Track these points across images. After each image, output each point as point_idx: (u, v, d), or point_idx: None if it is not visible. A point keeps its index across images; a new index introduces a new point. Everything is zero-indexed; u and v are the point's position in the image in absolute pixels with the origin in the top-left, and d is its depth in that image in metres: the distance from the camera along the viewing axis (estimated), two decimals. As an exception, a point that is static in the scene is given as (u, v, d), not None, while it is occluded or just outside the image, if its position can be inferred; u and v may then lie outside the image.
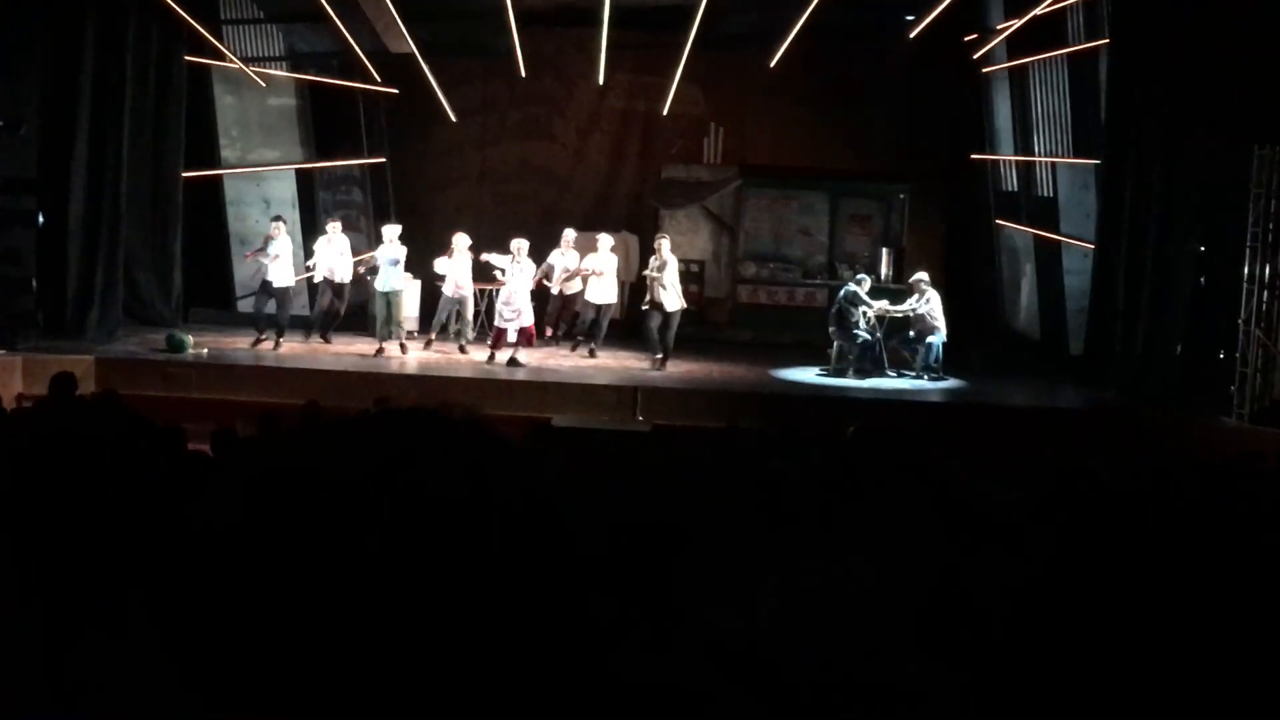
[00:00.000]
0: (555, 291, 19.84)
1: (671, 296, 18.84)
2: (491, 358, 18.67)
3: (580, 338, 19.76)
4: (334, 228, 20.07)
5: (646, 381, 17.71)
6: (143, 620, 2.04)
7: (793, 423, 14.80)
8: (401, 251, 19.25)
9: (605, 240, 19.82)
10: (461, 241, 19.30)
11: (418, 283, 20.78)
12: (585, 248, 19.84)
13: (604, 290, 19.60)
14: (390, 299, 19.13)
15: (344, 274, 19.80)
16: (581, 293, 19.81)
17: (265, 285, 19.40)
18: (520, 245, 18.95)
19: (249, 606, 1.90)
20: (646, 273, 19.16)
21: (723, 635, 2.23)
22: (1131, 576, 2.82)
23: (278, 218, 20.20)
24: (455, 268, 19.22)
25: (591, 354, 19.45)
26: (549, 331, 19.96)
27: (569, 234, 20.02)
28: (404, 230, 19.82)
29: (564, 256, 19.81)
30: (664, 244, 19.19)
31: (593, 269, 19.49)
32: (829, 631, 2.34)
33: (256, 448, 10.17)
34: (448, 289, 19.32)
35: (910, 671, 2.43)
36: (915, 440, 12.94)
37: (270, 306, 19.37)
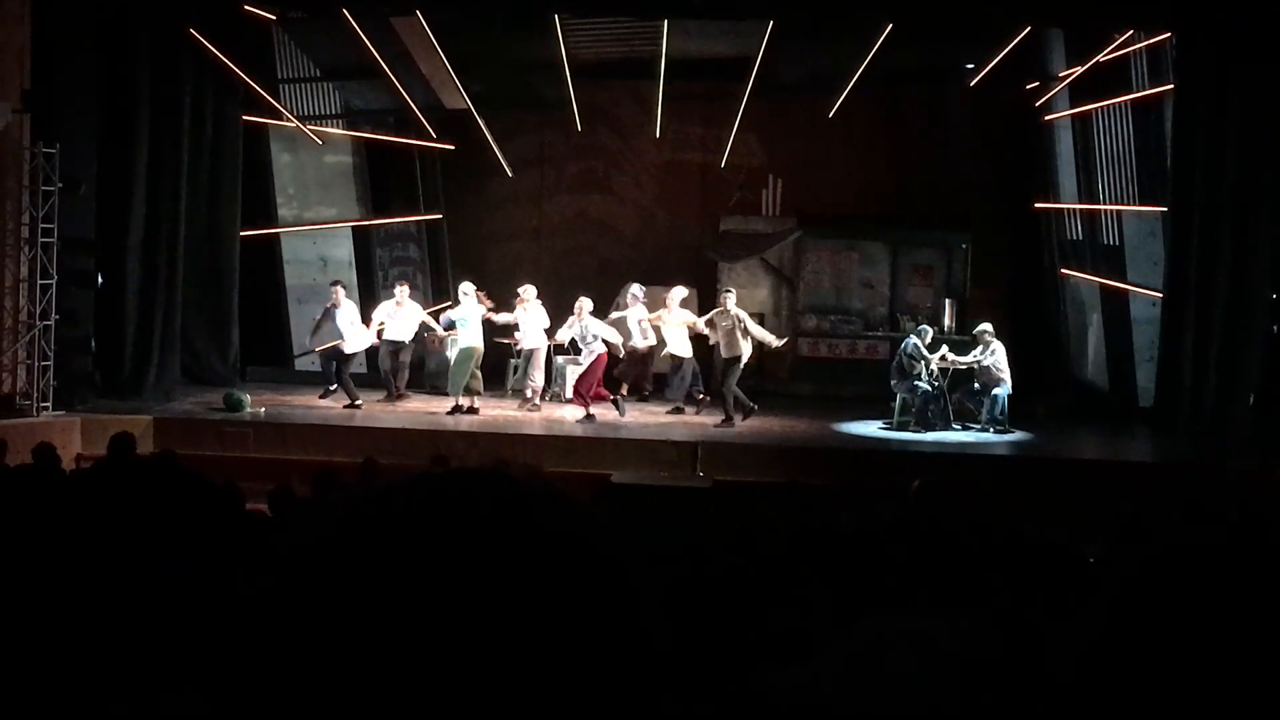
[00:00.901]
0: (632, 345, 19.56)
1: (742, 345, 18.59)
2: (589, 417, 18.38)
3: (689, 394, 19.38)
4: (402, 292, 19.92)
5: (707, 437, 17.47)
6: (197, 683, 2.03)
7: (855, 477, 14.55)
8: (479, 310, 19.09)
9: (679, 293, 19.53)
10: (530, 292, 19.19)
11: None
12: (655, 302, 19.64)
13: (685, 342, 19.34)
14: (474, 354, 18.88)
15: (407, 335, 19.71)
16: (655, 348, 19.62)
17: (336, 350, 19.27)
18: (582, 305, 18.78)
19: (306, 671, 1.86)
20: (709, 332, 18.87)
21: (785, 691, 2.22)
22: (1209, 631, 2.75)
23: (336, 282, 20.16)
24: (526, 319, 19.10)
25: (698, 410, 19.11)
26: (623, 390, 19.71)
27: (637, 290, 19.74)
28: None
29: (632, 310, 19.60)
30: (729, 298, 18.95)
31: (672, 322, 19.28)
32: (897, 688, 2.32)
33: (314, 508, 10.04)
34: (526, 342, 19.19)
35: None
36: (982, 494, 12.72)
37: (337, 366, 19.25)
